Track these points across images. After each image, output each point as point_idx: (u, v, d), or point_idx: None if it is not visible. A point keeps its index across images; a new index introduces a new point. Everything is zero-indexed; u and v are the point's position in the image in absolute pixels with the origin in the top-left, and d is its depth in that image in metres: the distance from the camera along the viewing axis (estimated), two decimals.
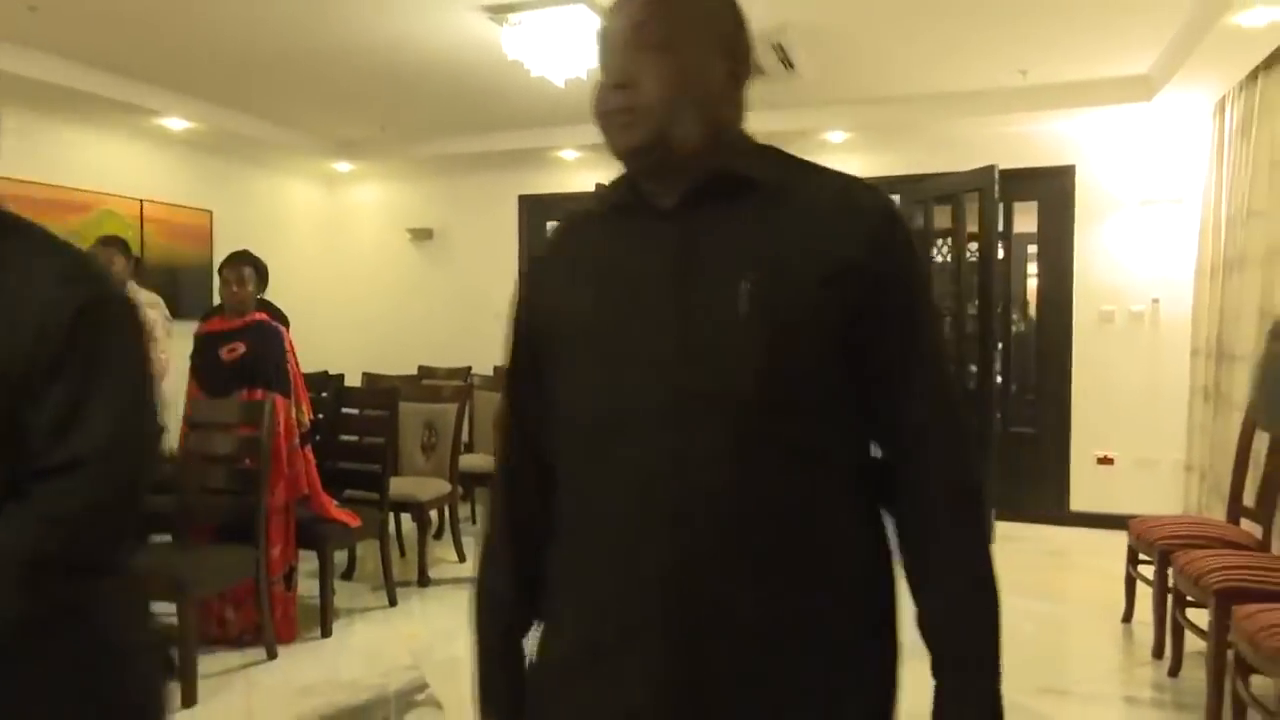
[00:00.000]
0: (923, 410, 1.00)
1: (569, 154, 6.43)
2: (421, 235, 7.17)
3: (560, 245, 1.16)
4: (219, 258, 6.15)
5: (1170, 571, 3.27)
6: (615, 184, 1.07)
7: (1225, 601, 2.71)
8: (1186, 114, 4.97)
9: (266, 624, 3.33)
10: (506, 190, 6.93)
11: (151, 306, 3.73)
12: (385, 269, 7.31)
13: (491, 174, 6.88)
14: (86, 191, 5.34)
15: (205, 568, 3.06)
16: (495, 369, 6.34)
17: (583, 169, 6.57)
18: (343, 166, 7.06)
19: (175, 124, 5.47)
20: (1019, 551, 4.99)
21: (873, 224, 0.99)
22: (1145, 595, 3.58)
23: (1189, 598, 3.13)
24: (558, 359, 1.05)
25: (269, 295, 3.97)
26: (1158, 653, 3.41)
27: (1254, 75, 4.16)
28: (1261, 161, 4.00)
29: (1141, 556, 3.68)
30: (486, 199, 7.00)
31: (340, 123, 6.21)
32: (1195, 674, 3.10)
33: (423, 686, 3.13)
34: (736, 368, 0.94)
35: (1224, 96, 4.62)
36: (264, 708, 2.97)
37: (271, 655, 3.34)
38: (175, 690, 2.97)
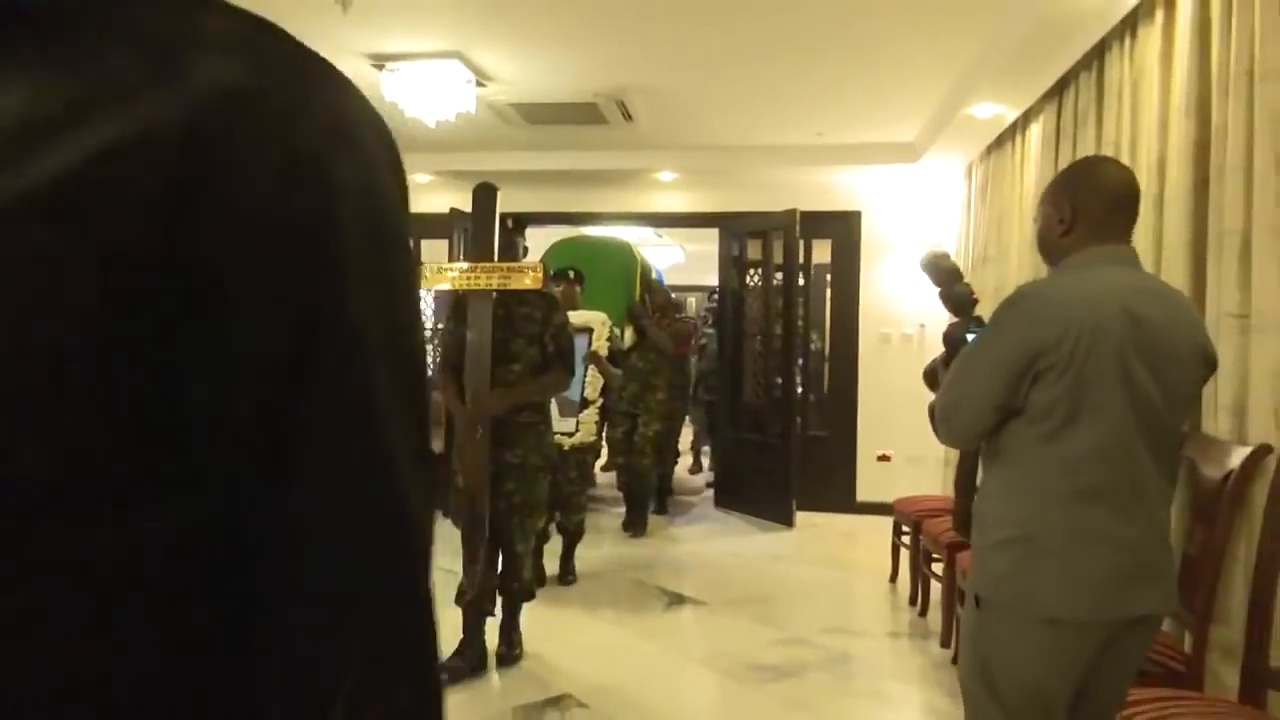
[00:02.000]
0: (308, 564, 0.48)
1: (422, 177, 6.86)
2: None
3: None
4: None
5: (920, 537, 4.22)
6: None
7: (952, 551, 3.63)
8: (944, 175, 6.12)
9: None
10: None
11: None
12: None
13: None
14: None
15: None
16: None
17: (435, 191, 7.02)
18: None
19: None
20: (816, 535, 5.94)
21: (211, 98, 0.43)
22: (907, 560, 4.54)
23: (933, 554, 4.08)
24: None
25: None
26: (914, 600, 4.36)
27: (989, 151, 5.30)
28: (993, 219, 5.12)
29: (904, 529, 4.64)
30: None
31: None
32: (938, 613, 4.03)
33: None
34: None
35: (970, 163, 5.79)
36: None
37: None
38: None
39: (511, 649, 3.48)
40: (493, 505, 3.27)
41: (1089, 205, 1.69)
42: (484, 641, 3.39)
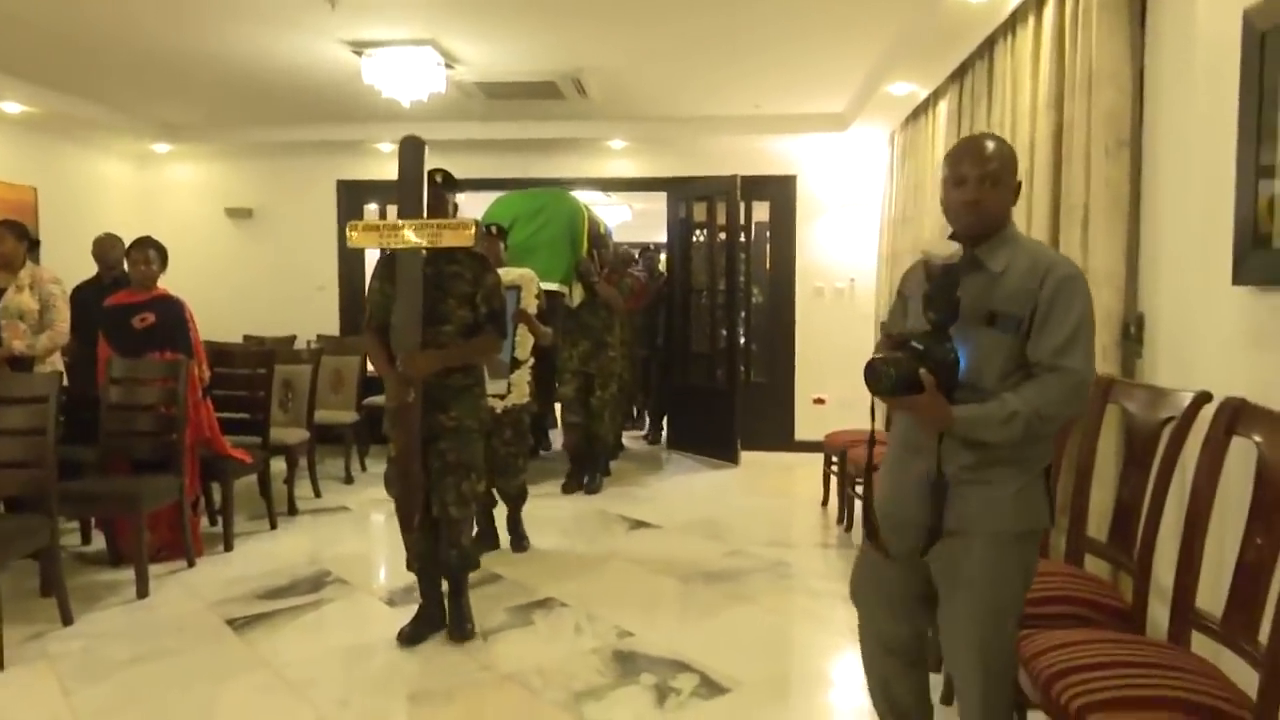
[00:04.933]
0: None
1: (385, 146, 7.26)
2: (240, 214, 7.71)
3: None
4: (45, 233, 6.50)
5: (847, 464, 4.89)
6: None
7: (869, 473, 4.28)
8: (870, 143, 6.72)
9: (187, 538, 4.14)
10: (325, 175, 7.62)
11: (54, 282, 4.29)
12: (204, 245, 7.74)
13: (310, 159, 7.54)
14: None
15: (146, 491, 3.83)
16: (318, 336, 7.13)
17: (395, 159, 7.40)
18: (161, 148, 7.44)
19: (10, 107, 5.77)
20: (759, 469, 6.62)
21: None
22: (835, 485, 5.22)
23: (856, 479, 4.76)
24: None
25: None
26: (840, 519, 5.05)
27: (906, 123, 5.91)
28: (909, 184, 5.75)
29: (833, 459, 5.31)
30: (305, 182, 7.66)
31: (165, 108, 6.65)
32: (860, 529, 4.71)
33: (327, 573, 4.11)
34: None
35: (892, 132, 6.39)
36: (207, 593, 3.83)
37: (191, 563, 4.16)
38: (128, 585, 3.76)
39: (463, 624, 3.31)
40: (426, 469, 3.17)
41: None
42: (443, 598, 3.37)
